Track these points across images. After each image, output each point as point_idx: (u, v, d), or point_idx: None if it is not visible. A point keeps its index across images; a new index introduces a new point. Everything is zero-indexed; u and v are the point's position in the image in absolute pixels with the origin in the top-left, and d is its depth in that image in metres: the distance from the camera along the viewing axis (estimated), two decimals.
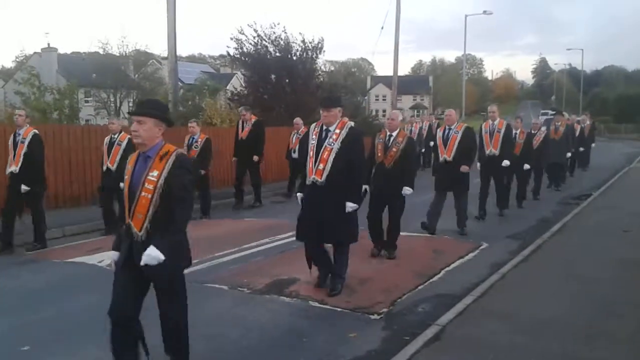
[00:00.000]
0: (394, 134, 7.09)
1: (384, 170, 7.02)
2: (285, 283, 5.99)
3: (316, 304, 5.44)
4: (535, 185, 12.55)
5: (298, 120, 13.39)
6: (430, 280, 6.30)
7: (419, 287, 6.03)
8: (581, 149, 17.19)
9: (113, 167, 8.65)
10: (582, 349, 4.25)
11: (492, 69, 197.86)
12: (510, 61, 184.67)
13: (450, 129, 8.69)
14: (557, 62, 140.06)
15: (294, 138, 13.07)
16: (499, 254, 7.44)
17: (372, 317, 5.15)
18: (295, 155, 12.53)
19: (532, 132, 12.23)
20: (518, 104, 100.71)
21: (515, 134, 11.01)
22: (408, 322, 4.98)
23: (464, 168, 8.47)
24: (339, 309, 5.32)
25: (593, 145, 19.18)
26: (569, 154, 14.43)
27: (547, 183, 13.81)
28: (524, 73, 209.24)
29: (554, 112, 38.88)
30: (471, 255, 7.50)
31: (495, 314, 5.06)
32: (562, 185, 14.22)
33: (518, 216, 10.44)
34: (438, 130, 9.20)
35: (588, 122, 18.87)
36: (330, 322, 5.03)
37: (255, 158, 11.37)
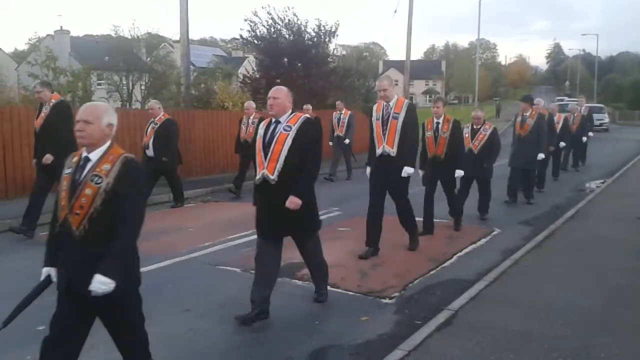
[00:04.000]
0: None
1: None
2: (297, 267, 6.00)
3: (328, 288, 5.46)
4: (481, 201, 8.91)
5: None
6: (443, 265, 6.30)
7: (431, 272, 6.04)
8: (562, 144, 13.17)
9: None
10: (594, 337, 4.23)
11: (506, 54, 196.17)
12: (524, 46, 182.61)
13: (278, 122, 4.58)
14: (572, 47, 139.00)
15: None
16: (512, 240, 7.42)
17: (384, 301, 5.17)
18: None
19: (475, 127, 8.75)
20: (531, 89, 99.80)
21: (438, 123, 7.55)
22: (420, 307, 5.00)
23: (292, 203, 4.48)
24: (350, 293, 5.35)
25: (585, 139, 14.93)
26: (541, 155, 10.14)
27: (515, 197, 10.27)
28: (538, 58, 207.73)
29: (570, 99, 38.01)
30: (484, 241, 7.49)
31: (507, 299, 5.05)
32: (535, 195, 10.61)
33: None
34: (261, 125, 4.71)
35: (580, 110, 14.76)
36: (342, 305, 5.06)
37: (48, 158, 7.19)
